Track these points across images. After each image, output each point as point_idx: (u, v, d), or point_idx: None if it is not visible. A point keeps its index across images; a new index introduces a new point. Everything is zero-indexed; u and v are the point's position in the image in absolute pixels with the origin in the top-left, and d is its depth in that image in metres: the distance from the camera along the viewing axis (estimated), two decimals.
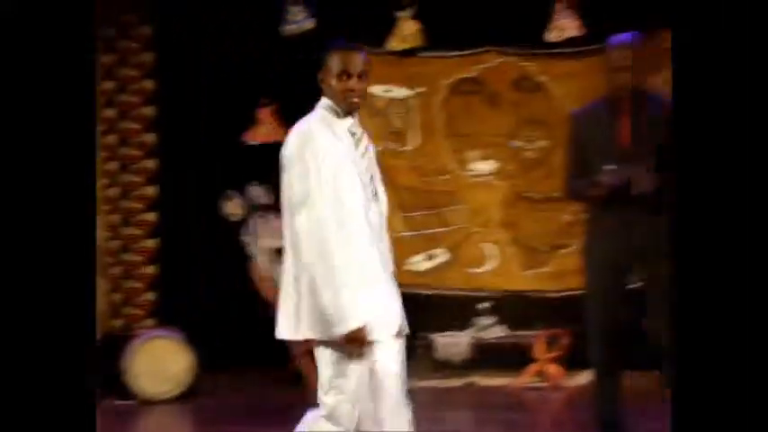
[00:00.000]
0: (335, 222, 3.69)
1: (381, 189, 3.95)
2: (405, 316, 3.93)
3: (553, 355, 7.65)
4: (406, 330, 3.91)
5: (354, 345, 3.67)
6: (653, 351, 5.53)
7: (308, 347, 7.53)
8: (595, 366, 5.36)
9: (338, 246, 3.68)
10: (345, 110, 3.85)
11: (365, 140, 3.91)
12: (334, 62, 3.82)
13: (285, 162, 3.82)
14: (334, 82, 3.81)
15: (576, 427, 6.40)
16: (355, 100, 3.83)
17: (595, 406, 5.33)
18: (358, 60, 3.81)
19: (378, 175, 3.95)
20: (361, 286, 3.73)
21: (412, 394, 7.70)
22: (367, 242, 3.81)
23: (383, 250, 3.90)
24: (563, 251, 7.52)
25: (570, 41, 7.90)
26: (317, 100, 8.66)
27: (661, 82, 7.60)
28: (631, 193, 5.03)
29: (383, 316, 3.79)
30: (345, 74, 3.80)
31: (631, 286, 5.39)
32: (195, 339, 7.43)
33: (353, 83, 3.80)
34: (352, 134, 3.86)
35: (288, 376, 7.66)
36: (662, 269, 5.15)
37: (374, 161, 3.95)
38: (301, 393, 7.41)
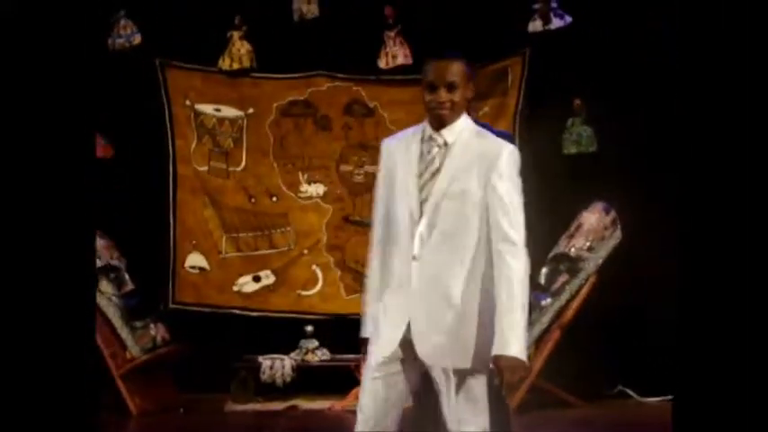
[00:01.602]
0: (376, 235, 3.75)
1: (454, 210, 3.59)
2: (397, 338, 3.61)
3: None
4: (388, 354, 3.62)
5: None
6: None
7: (129, 368, 7.39)
8: None
9: (373, 260, 3.77)
10: (433, 122, 3.65)
11: (448, 156, 3.64)
12: (424, 73, 3.63)
13: None
14: (425, 93, 3.63)
15: None
16: (441, 112, 3.61)
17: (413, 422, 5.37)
18: (445, 71, 3.61)
19: (447, 198, 3.60)
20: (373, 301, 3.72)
21: (233, 417, 7.66)
22: (392, 262, 3.69)
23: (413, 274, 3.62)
24: None
25: (401, 69, 8.01)
26: (143, 115, 8.39)
27: (488, 110, 7.82)
28: None
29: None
30: (431, 85, 3.61)
31: None
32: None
33: (440, 95, 3.60)
34: (428, 149, 3.66)
35: (104, 399, 7.50)
36: None
37: (457, 181, 3.60)
38: (122, 417, 7.30)
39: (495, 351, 3.48)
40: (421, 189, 3.61)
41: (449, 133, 3.63)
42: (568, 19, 7.77)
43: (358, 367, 7.55)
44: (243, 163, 8.23)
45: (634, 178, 7.73)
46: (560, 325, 7.37)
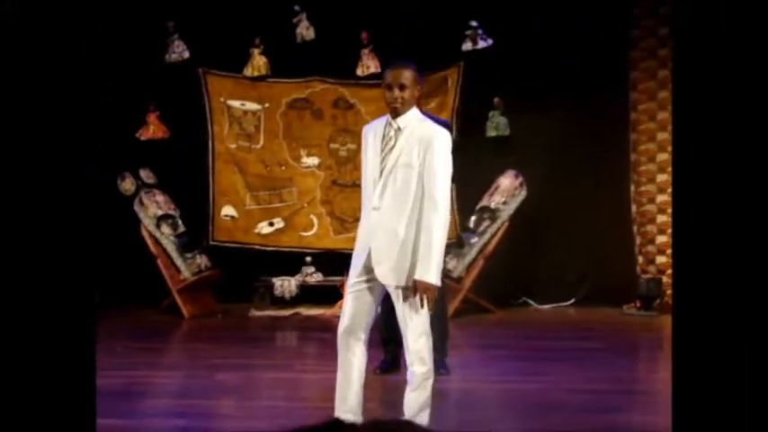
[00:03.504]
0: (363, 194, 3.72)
1: (402, 176, 3.52)
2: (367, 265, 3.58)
3: None
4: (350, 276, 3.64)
5: None
6: None
7: (183, 286, 7.43)
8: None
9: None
10: (391, 113, 3.60)
11: (400, 138, 3.56)
12: (384, 77, 3.60)
13: None
14: (385, 92, 3.59)
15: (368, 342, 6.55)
16: (395, 106, 3.55)
17: (380, 327, 5.44)
18: (398, 75, 3.54)
19: (398, 167, 3.53)
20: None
21: (255, 320, 7.72)
22: (364, 211, 3.68)
23: (373, 219, 3.60)
24: None
25: (372, 75, 8.01)
26: (191, 108, 8.44)
27: (434, 105, 7.85)
28: None
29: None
30: (388, 86, 3.56)
31: None
32: (97, 280, 7.19)
33: (395, 93, 3.53)
34: (387, 132, 3.60)
35: (163, 307, 7.54)
36: None
37: (403, 155, 3.54)
38: (173, 319, 7.33)
39: (416, 276, 3.49)
40: (382, 160, 3.59)
41: (402, 121, 3.59)
42: (490, 41, 7.79)
43: (342, 286, 7.64)
44: (261, 142, 8.19)
45: (536, 153, 7.81)
46: (484, 256, 7.48)
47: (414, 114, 3.62)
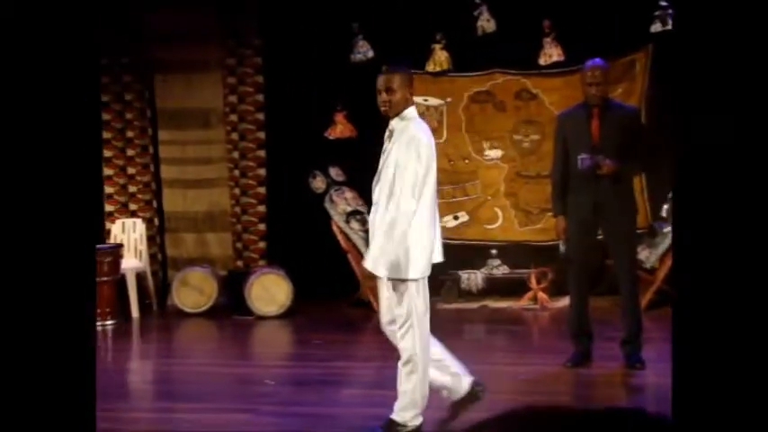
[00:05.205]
0: None
1: (387, 174, 3.75)
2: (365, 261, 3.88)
3: (542, 286, 7.68)
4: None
5: None
6: (612, 281, 5.56)
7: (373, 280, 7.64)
8: (572, 293, 5.40)
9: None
10: (386, 116, 3.84)
11: (392, 139, 3.78)
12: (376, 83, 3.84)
13: None
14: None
15: (557, 335, 6.44)
16: (383, 109, 3.77)
17: (570, 320, 5.37)
18: (384, 80, 3.73)
19: (386, 166, 3.78)
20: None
21: (443, 313, 7.83)
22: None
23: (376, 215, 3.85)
24: (548, 213, 7.50)
25: (555, 64, 7.86)
26: (376, 106, 8.73)
27: (620, 92, 7.59)
28: (597, 174, 5.04)
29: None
30: (378, 91, 3.77)
31: (598, 237, 5.41)
32: (293, 274, 7.55)
33: (382, 97, 3.73)
34: (387, 135, 3.84)
35: (355, 300, 7.77)
36: (618, 227, 5.18)
37: (391, 155, 3.76)
38: (366, 312, 7.55)
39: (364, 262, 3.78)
40: (381, 162, 3.80)
41: (394, 123, 3.76)
42: None
43: (530, 278, 7.58)
44: (444, 137, 8.26)
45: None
46: None
47: (405, 114, 3.74)
